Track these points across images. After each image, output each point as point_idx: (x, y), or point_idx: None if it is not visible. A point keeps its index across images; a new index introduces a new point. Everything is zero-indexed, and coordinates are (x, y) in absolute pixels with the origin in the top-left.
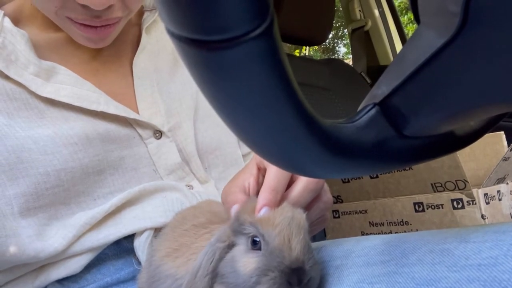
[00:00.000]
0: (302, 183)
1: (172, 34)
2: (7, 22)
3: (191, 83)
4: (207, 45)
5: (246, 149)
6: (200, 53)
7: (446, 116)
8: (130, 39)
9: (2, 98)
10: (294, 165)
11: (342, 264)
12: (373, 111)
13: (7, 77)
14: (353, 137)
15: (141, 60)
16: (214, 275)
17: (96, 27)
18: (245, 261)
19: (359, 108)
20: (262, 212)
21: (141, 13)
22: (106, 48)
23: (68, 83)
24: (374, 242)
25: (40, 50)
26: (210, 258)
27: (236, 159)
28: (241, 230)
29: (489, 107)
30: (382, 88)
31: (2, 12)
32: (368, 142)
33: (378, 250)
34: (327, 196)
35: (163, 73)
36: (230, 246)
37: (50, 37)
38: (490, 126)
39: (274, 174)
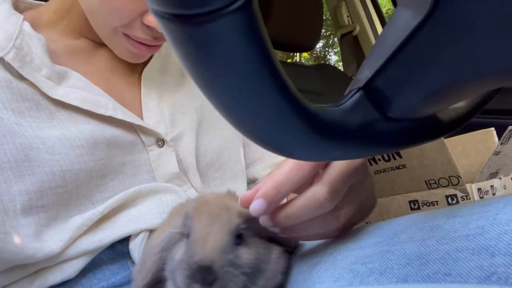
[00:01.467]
0: (335, 168)
1: (156, 13)
2: (26, 26)
3: (196, 97)
4: (189, 20)
5: (251, 158)
6: (183, 28)
7: (427, 95)
8: None
9: (15, 97)
10: (279, 146)
11: (336, 250)
12: (357, 95)
13: (21, 78)
14: (339, 119)
15: (150, 73)
16: (164, 258)
17: (149, 45)
18: (176, 250)
19: (345, 93)
20: (257, 203)
21: None
22: (115, 57)
23: (78, 87)
24: (367, 228)
25: (55, 55)
26: (163, 241)
27: (235, 174)
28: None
29: (467, 84)
30: (364, 72)
31: (22, 16)
32: (353, 125)
33: (370, 234)
34: (368, 181)
35: (170, 86)
36: (186, 234)
37: (67, 44)
38: (474, 112)
39: (285, 170)
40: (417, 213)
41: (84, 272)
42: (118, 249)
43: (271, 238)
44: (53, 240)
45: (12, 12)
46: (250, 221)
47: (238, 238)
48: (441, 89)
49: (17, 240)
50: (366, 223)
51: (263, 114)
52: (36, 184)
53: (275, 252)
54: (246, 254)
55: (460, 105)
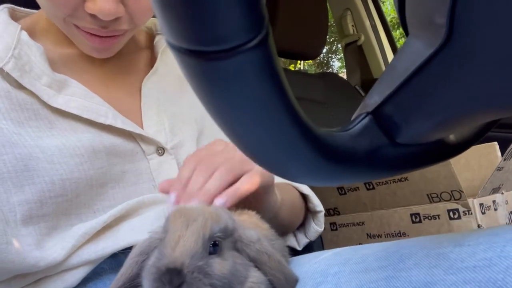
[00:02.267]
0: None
1: (172, 46)
2: (24, 35)
3: (196, 107)
4: (206, 56)
5: None
6: (199, 63)
7: (436, 123)
8: (141, 60)
9: (14, 107)
10: (288, 172)
11: (340, 271)
12: (366, 120)
13: (20, 87)
14: (347, 144)
15: (151, 81)
16: (141, 262)
17: (101, 37)
18: (154, 254)
19: (353, 117)
20: (172, 195)
21: (152, 36)
22: (116, 66)
23: (79, 96)
24: (372, 249)
25: (53, 64)
26: (141, 245)
27: None
28: None
29: (477, 114)
30: (374, 98)
31: (19, 26)
32: (361, 150)
33: (375, 256)
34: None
35: (170, 95)
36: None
37: (63, 52)
38: (481, 135)
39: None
40: (423, 237)
41: (85, 281)
42: (120, 259)
43: (255, 263)
44: (55, 249)
45: (9, 21)
46: (228, 230)
47: (214, 246)
48: (451, 119)
49: (18, 249)
50: (368, 236)
51: (275, 143)
52: (36, 193)
53: (254, 275)
54: (218, 265)
55: (467, 128)
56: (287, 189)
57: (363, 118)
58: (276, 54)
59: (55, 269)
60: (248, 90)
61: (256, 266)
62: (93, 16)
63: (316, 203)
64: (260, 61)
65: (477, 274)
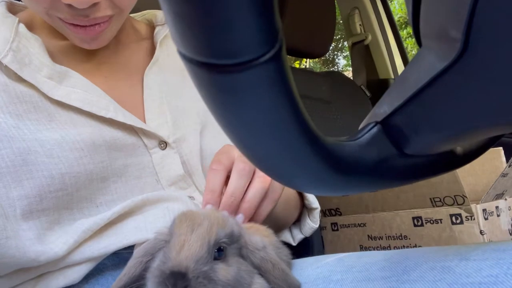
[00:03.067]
0: (234, 173)
1: (183, 56)
2: (22, 28)
3: (199, 100)
4: (218, 69)
5: None
6: (211, 76)
7: (446, 136)
8: (141, 51)
9: (12, 100)
10: (296, 182)
11: (343, 279)
12: (374, 130)
13: (19, 80)
14: (355, 155)
15: (152, 72)
16: (145, 263)
17: (85, 26)
18: (156, 258)
19: (361, 126)
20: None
21: (152, 28)
22: (116, 57)
23: (80, 87)
24: (375, 258)
25: (52, 56)
26: (146, 246)
27: None
28: None
29: (488, 129)
30: (384, 107)
31: (17, 19)
32: (369, 160)
33: (379, 266)
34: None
35: (172, 87)
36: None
37: (60, 44)
38: (490, 144)
39: (211, 176)
40: (427, 248)
41: (87, 277)
42: (122, 256)
43: (259, 270)
44: (57, 243)
45: (7, 14)
46: (234, 236)
47: (219, 252)
48: (461, 132)
49: (19, 244)
50: (369, 238)
51: (284, 154)
52: (35, 188)
53: (258, 282)
54: (223, 271)
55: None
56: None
57: (371, 128)
58: (289, 67)
59: (57, 265)
60: (260, 104)
61: (260, 274)
62: (69, 6)
63: (312, 200)
64: (273, 75)
65: None
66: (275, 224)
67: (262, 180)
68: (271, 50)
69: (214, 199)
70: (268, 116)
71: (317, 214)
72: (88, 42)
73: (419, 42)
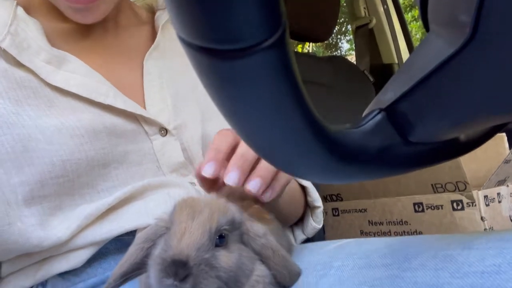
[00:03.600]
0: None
1: (183, 41)
2: (20, 11)
3: (199, 88)
4: (219, 54)
5: None
6: (212, 61)
7: (452, 123)
8: (141, 35)
9: (12, 86)
10: (298, 170)
11: (344, 265)
12: (379, 117)
13: (18, 65)
14: (359, 143)
15: (153, 57)
16: (146, 249)
17: None
18: (157, 245)
19: (365, 113)
20: (207, 166)
21: (152, 12)
22: (116, 40)
23: (79, 73)
24: (376, 245)
25: (50, 40)
26: (147, 232)
27: None
28: None
29: (496, 116)
30: (389, 94)
31: (15, 1)
32: (373, 148)
33: (380, 253)
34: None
35: (172, 73)
36: (169, 228)
37: (59, 26)
38: (495, 132)
39: (217, 138)
40: (430, 236)
41: (90, 261)
42: (124, 240)
43: (260, 257)
44: (59, 228)
45: None
46: (235, 223)
47: (220, 239)
48: (468, 119)
49: (21, 230)
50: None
51: (286, 142)
52: (36, 174)
53: (260, 269)
54: (225, 257)
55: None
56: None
57: (376, 115)
58: (293, 52)
59: (60, 249)
60: (263, 90)
61: (261, 260)
62: None
63: (315, 197)
64: (276, 61)
65: (485, 281)
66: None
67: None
68: (274, 35)
69: (218, 158)
70: (271, 104)
71: (320, 214)
72: (82, 14)
73: (426, 27)
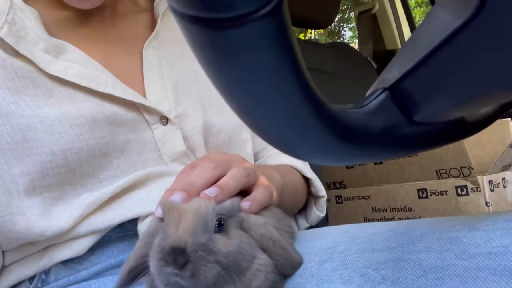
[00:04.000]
0: (233, 170)
1: (175, 12)
2: None
3: (200, 79)
4: (212, 24)
5: (257, 147)
6: (205, 32)
7: (459, 101)
8: (140, 23)
9: (10, 75)
10: (299, 151)
11: (347, 249)
12: (382, 96)
13: (16, 54)
14: (362, 122)
15: (152, 46)
16: (150, 243)
17: None
18: (158, 234)
19: (368, 92)
20: (176, 196)
21: (152, 0)
22: (115, 29)
23: (77, 62)
24: (380, 229)
25: (48, 29)
26: (149, 226)
27: (244, 148)
28: None
29: (505, 92)
30: (392, 72)
31: None
32: (376, 128)
33: (384, 236)
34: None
35: (171, 62)
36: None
37: (57, 15)
38: (501, 113)
39: (196, 171)
40: (434, 219)
41: (93, 249)
42: (127, 228)
43: (261, 247)
44: (62, 217)
45: None
46: (234, 208)
47: (219, 226)
48: (476, 97)
49: (23, 219)
50: (373, 210)
51: (285, 120)
52: (37, 164)
53: (262, 257)
54: (223, 242)
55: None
56: (289, 173)
57: (379, 94)
58: (291, 22)
59: (63, 238)
60: (259, 63)
61: (261, 249)
62: None
63: (319, 187)
64: (273, 31)
65: (491, 261)
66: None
67: (238, 171)
68: (270, 2)
69: (189, 192)
70: (268, 78)
71: (323, 202)
72: (83, 1)
73: (432, 0)
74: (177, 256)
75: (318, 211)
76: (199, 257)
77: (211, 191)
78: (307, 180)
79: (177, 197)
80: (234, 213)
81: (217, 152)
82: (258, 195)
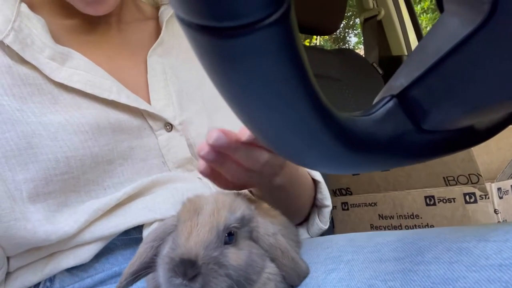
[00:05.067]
0: None
1: (181, 20)
2: (24, 7)
3: (205, 87)
4: (219, 32)
5: None
6: (211, 40)
7: (469, 109)
8: (145, 31)
9: (16, 83)
10: (307, 160)
11: (354, 259)
12: (390, 104)
13: (22, 61)
14: (369, 130)
15: (156, 53)
16: (155, 248)
17: None
18: (166, 244)
19: (376, 100)
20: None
21: (158, 8)
22: (120, 36)
23: (83, 69)
24: (387, 238)
25: (54, 36)
26: (156, 230)
27: None
28: None
29: None
30: (400, 80)
31: None
32: (384, 136)
33: (391, 246)
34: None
35: (177, 69)
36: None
37: (63, 23)
38: (509, 121)
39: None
40: (443, 228)
41: (97, 256)
42: (132, 235)
43: (269, 256)
44: (67, 222)
45: None
46: (244, 220)
47: (229, 236)
48: (486, 105)
49: (28, 225)
50: (379, 217)
51: (292, 128)
52: (41, 171)
53: (271, 266)
54: (234, 255)
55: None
56: (300, 168)
57: (387, 102)
58: (298, 31)
59: (68, 244)
60: (266, 71)
61: (270, 258)
62: None
63: (326, 195)
64: (280, 39)
65: (503, 274)
66: (286, 206)
67: None
68: (278, 10)
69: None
70: (275, 86)
71: (327, 214)
72: (93, 6)
73: (440, 7)
74: (187, 268)
75: (321, 223)
76: (210, 270)
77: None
78: (315, 184)
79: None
80: (245, 224)
81: None
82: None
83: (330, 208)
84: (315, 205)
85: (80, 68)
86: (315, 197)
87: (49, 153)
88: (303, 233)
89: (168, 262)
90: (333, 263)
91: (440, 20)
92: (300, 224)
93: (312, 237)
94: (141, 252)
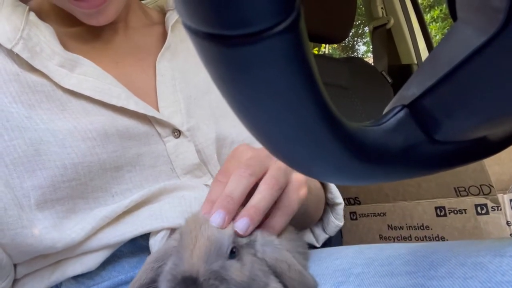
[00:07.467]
0: (264, 185)
1: (188, 28)
2: (33, 16)
3: (212, 92)
4: (227, 41)
5: None
6: (219, 49)
7: (483, 120)
8: (152, 36)
9: (24, 90)
10: (315, 171)
11: (364, 272)
12: (401, 114)
13: (30, 69)
14: (380, 141)
15: (165, 58)
16: (157, 268)
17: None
18: (171, 259)
19: (386, 109)
20: (217, 216)
21: (164, 13)
22: (127, 42)
23: (92, 76)
24: (399, 251)
25: (62, 44)
26: (159, 251)
27: None
28: None
29: None
30: (412, 89)
31: (27, 7)
32: (395, 147)
33: (403, 260)
34: (290, 197)
35: (184, 75)
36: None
37: (70, 31)
38: None
39: (232, 181)
40: (456, 242)
41: (104, 264)
42: (138, 243)
43: (274, 270)
44: (74, 229)
45: (17, 3)
46: (249, 234)
47: (231, 253)
48: (501, 115)
49: (35, 233)
50: (388, 228)
51: (301, 138)
52: (48, 178)
53: (275, 281)
54: (236, 270)
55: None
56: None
57: (398, 112)
58: (307, 39)
59: (74, 252)
60: (274, 80)
61: (275, 274)
62: None
63: (336, 194)
64: (290, 47)
65: None
66: (302, 222)
67: (269, 187)
68: (287, 18)
69: (229, 208)
70: (284, 95)
71: (340, 210)
72: (95, 17)
73: (453, 16)
74: (189, 285)
75: (336, 220)
76: (211, 285)
77: (242, 226)
78: (323, 186)
79: (217, 218)
80: (249, 238)
81: (245, 149)
82: (275, 223)
83: (343, 205)
84: (327, 204)
85: (89, 75)
86: (325, 197)
87: (57, 160)
88: (320, 233)
89: (170, 279)
90: (342, 276)
91: (453, 28)
92: (314, 224)
93: (330, 235)
94: (141, 273)
